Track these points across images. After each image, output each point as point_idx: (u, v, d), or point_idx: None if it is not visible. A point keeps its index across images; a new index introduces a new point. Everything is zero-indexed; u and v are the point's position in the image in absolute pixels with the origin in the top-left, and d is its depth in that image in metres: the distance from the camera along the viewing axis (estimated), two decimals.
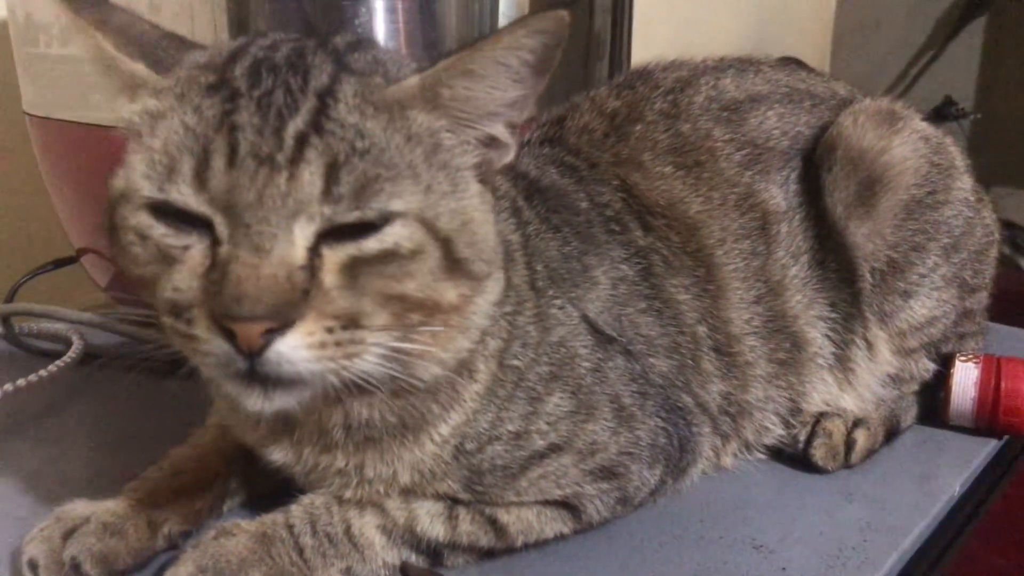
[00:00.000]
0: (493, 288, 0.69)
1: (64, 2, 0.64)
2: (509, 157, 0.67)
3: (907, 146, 0.93)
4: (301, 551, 0.72)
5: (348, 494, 0.74)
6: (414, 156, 0.61)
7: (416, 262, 0.60)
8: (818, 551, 0.79)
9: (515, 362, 0.74)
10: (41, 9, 1.03)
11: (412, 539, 0.75)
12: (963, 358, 1.00)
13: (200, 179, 0.58)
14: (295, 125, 0.58)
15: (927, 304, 0.95)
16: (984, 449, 0.97)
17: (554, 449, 0.75)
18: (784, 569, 0.77)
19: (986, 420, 0.98)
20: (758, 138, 0.92)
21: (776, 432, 0.93)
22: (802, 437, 0.93)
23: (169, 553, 0.75)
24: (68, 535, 0.72)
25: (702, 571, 0.76)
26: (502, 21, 1.03)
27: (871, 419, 0.96)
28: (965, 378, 0.98)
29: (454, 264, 0.62)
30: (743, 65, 0.99)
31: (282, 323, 0.56)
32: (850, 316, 0.93)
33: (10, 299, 1.23)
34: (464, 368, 0.71)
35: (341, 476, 0.74)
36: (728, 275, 0.88)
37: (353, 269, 0.59)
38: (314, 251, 0.58)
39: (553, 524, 0.78)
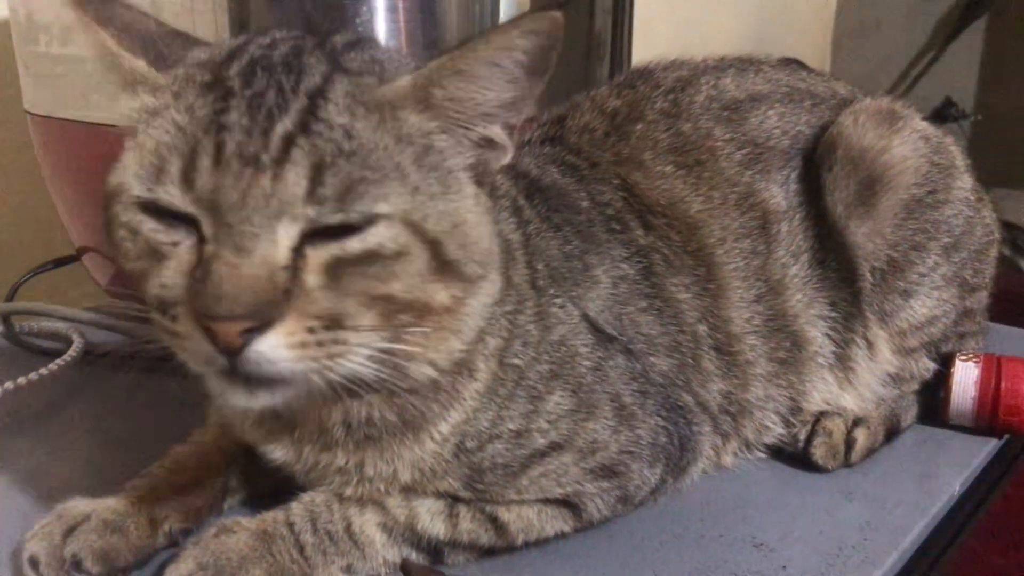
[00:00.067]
0: (488, 289, 0.69)
1: None
2: (506, 159, 0.67)
3: (907, 145, 0.93)
4: (302, 549, 0.72)
5: (348, 492, 0.74)
6: (403, 157, 0.61)
7: (401, 263, 0.60)
8: (818, 550, 0.79)
9: (516, 361, 0.74)
10: (42, 8, 1.03)
11: (413, 537, 0.75)
12: (963, 357, 1.00)
13: (187, 179, 0.58)
14: (283, 126, 0.58)
15: (927, 303, 0.95)
16: (984, 449, 0.97)
17: (555, 447, 0.75)
18: (784, 568, 0.77)
19: (986, 419, 0.98)
20: (759, 137, 0.92)
21: (776, 431, 0.93)
22: (802, 436, 0.93)
23: (170, 550, 0.75)
24: (69, 532, 0.72)
25: (702, 570, 0.76)
26: (503, 20, 1.03)
27: (871, 418, 0.96)
28: (965, 377, 0.98)
29: (444, 266, 0.62)
30: (744, 65, 0.99)
31: (261, 323, 0.56)
32: (850, 315, 0.93)
33: (11, 298, 1.23)
34: (464, 367, 0.71)
35: (341, 474, 0.74)
36: (728, 274, 0.88)
37: (336, 269, 0.59)
38: (298, 251, 0.58)
39: (554, 522, 0.78)
